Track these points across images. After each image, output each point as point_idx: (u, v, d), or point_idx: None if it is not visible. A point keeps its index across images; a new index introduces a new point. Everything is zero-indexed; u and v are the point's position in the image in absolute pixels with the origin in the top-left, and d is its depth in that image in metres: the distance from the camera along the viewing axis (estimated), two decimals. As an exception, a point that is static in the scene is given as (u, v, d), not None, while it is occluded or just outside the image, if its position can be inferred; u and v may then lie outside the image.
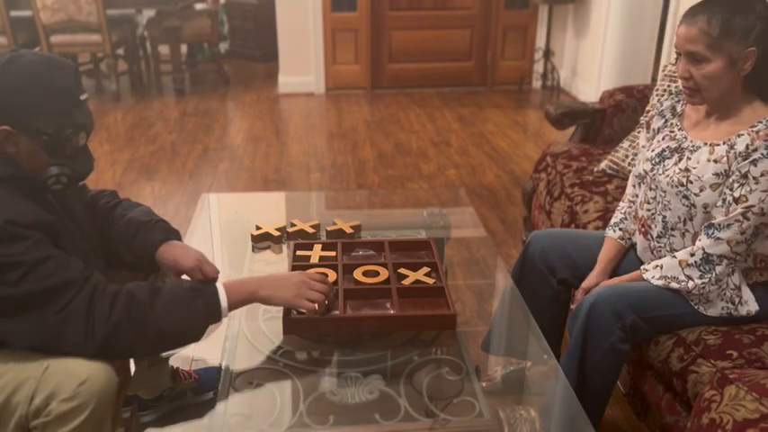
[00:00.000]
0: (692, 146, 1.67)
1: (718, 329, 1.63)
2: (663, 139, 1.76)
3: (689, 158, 1.66)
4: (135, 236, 1.66)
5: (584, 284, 1.82)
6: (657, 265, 1.67)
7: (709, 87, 1.59)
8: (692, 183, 1.62)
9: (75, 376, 1.31)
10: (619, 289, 1.66)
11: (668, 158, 1.71)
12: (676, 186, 1.65)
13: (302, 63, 5.62)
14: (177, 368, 1.75)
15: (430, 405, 1.43)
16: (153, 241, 1.65)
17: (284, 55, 5.60)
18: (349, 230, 2.03)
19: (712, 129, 1.67)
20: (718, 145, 1.61)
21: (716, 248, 1.59)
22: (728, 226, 1.57)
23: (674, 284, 1.64)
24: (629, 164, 2.44)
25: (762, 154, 1.53)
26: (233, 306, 1.48)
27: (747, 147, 1.55)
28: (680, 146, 1.70)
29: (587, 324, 1.62)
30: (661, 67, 3.49)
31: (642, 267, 1.71)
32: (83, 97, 1.43)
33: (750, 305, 1.63)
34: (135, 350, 1.41)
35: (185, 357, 1.67)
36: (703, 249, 1.60)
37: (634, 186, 1.90)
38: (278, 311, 1.64)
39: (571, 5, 5.37)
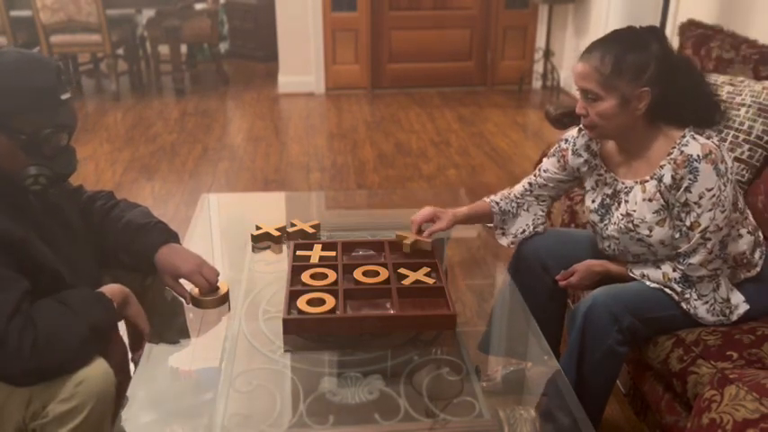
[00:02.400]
0: (626, 187, 1.69)
1: (717, 330, 1.63)
2: (597, 185, 1.77)
3: (626, 201, 1.67)
4: (133, 239, 1.65)
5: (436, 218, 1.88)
6: (644, 274, 1.69)
7: (605, 125, 1.60)
8: (638, 226, 1.64)
9: (72, 377, 1.31)
10: (614, 291, 1.67)
11: (611, 206, 1.73)
12: (626, 233, 1.67)
13: (302, 63, 5.62)
14: (177, 368, 1.75)
15: (430, 405, 1.43)
16: (152, 244, 1.65)
17: (284, 55, 5.60)
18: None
19: (635, 166, 1.68)
20: (647, 181, 1.63)
21: (692, 272, 1.61)
22: (695, 251, 1.59)
23: (667, 290, 1.66)
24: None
25: (689, 179, 1.54)
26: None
27: (673, 178, 1.56)
28: (615, 190, 1.72)
29: (584, 327, 1.62)
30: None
31: (629, 267, 1.72)
32: (64, 97, 1.40)
33: (740, 308, 1.65)
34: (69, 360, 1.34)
35: (185, 357, 1.67)
36: (682, 272, 1.63)
37: (528, 189, 1.92)
38: (278, 311, 1.64)
39: (571, 5, 5.37)
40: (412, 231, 1.88)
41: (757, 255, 1.71)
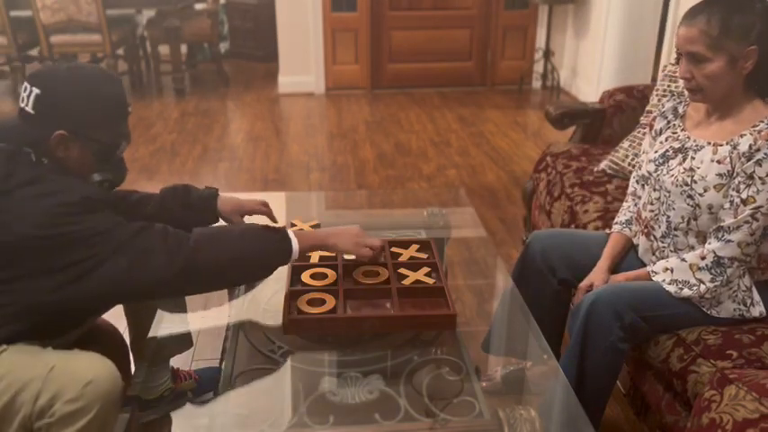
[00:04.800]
0: (696, 145, 1.67)
1: (718, 329, 1.63)
2: (666, 140, 1.77)
3: (693, 158, 1.66)
4: (188, 193, 1.76)
5: (585, 283, 1.82)
6: (667, 268, 1.67)
7: (711, 87, 1.60)
8: (696, 182, 1.62)
9: (80, 377, 1.31)
10: (618, 288, 1.66)
11: (672, 159, 1.71)
12: (681, 186, 1.65)
13: (302, 63, 5.62)
14: (177, 368, 1.75)
15: (430, 405, 1.43)
16: (210, 192, 1.78)
17: (284, 55, 5.60)
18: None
19: (714, 128, 1.67)
20: (722, 145, 1.61)
21: (726, 251, 1.59)
22: (738, 228, 1.57)
23: (686, 291, 1.63)
24: (629, 164, 2.44)
25: (765, 154, 1.53)
26: (303, 249, 1.57)
27: (750, 147, 1.55)
28: (683, 146, 1.71)
29: (587, 323, 1.62)
30: (661, 67, 3.48)
31: (650, 270, 1.71)
32: (130, 109, 1.50)
33: (761, 306, 1.64)
34: (212, 278, 1.45)
35: (185, 357, 1.67)
36: (714, 252, 1.60)
37: (635, 188, 1.90)
38: (278, 311, 1.65)
39: (571, 5, 5.37)
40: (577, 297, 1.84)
41: None
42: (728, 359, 1.53)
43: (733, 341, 1.57)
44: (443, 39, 5.75)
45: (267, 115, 5.16)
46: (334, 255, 1.86)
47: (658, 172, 1.73)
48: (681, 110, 1.79)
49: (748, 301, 1.63)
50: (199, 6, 6.04)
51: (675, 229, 1.69)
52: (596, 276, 1.81)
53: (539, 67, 5.79)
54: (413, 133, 4.73)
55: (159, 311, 1.69)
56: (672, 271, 1.66)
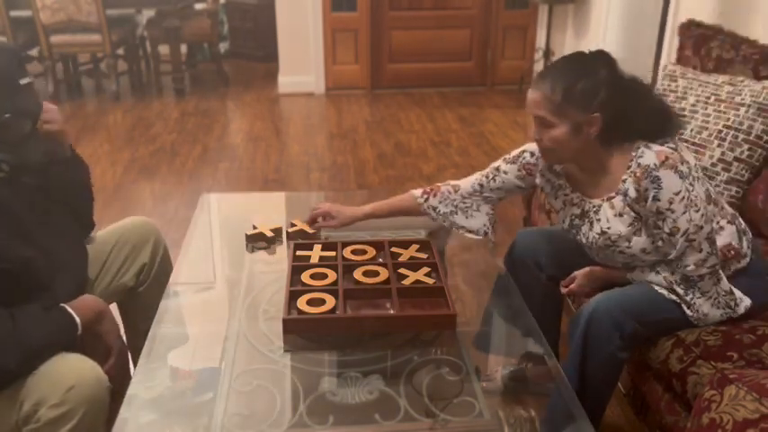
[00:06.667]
0: (594, 206, 1.68)
1: (717, 330, 1.62)
2: (564, 205, 1.78)
3: (598, 220, 1.67)
4: None
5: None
6: (648, 281, 1.68)
7: (559, 149, 1.61)
8: (616, 241, 1.64)
9: (62, 382, 1.29)
10: (616, 297, 1.66)
11: (581, 225, 1.73)
12: (605, 248, 1.67)
13: (302, 63, 5.61)
14: (177, 368, 1.74)
15: (430, 405, 1.43)
16: None
17: (284, 55, 5.60)
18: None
19: (599, 184, 1.68)
20: (614, 197, 1.63)
21: (690, 272, 1.60)
22: (684, 255, 1.58)
23: (673, 296, 1.64)
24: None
25: (654, 188, 1.53)
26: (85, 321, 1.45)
27: (637, 190, 1.56)
28: (583, 210, 1.72)
29: (587, 333, 1.62)
30: (661, 67, 3.48)
31: (630, 276, 1.71)
32: (24, 81, 1.39)
33: (745, 301, 1.65)
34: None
35: (185, 357, 1.67)
36: (679, 276, 1.62)
37: (477, 187, 1.90)
38: (278, 311, 1.64)
39: (571, 5, 5.36)
40: (307, 222, 2.02)
41: (745, 243, 1.70)
42: (729, 360, 1.53)
43: (733, 342, 1.57)
44: (443, 39, 5.75)
45: (267, 115, 5.16)
46: (333, 254, 1.86)
47: (579, 237, 1.74)
48: (558, 168, 1.78)
49: (732, 303, 1.64)
50: (199, 6, 6.04)
51: (632, 263, 1.70)
52: (335, 210, 1.98)
53: (539, 67, 5.79)
54: (413, 133, 4.73)
55: (159, 311, 1.68)
56: (653, 284, 1.67)
